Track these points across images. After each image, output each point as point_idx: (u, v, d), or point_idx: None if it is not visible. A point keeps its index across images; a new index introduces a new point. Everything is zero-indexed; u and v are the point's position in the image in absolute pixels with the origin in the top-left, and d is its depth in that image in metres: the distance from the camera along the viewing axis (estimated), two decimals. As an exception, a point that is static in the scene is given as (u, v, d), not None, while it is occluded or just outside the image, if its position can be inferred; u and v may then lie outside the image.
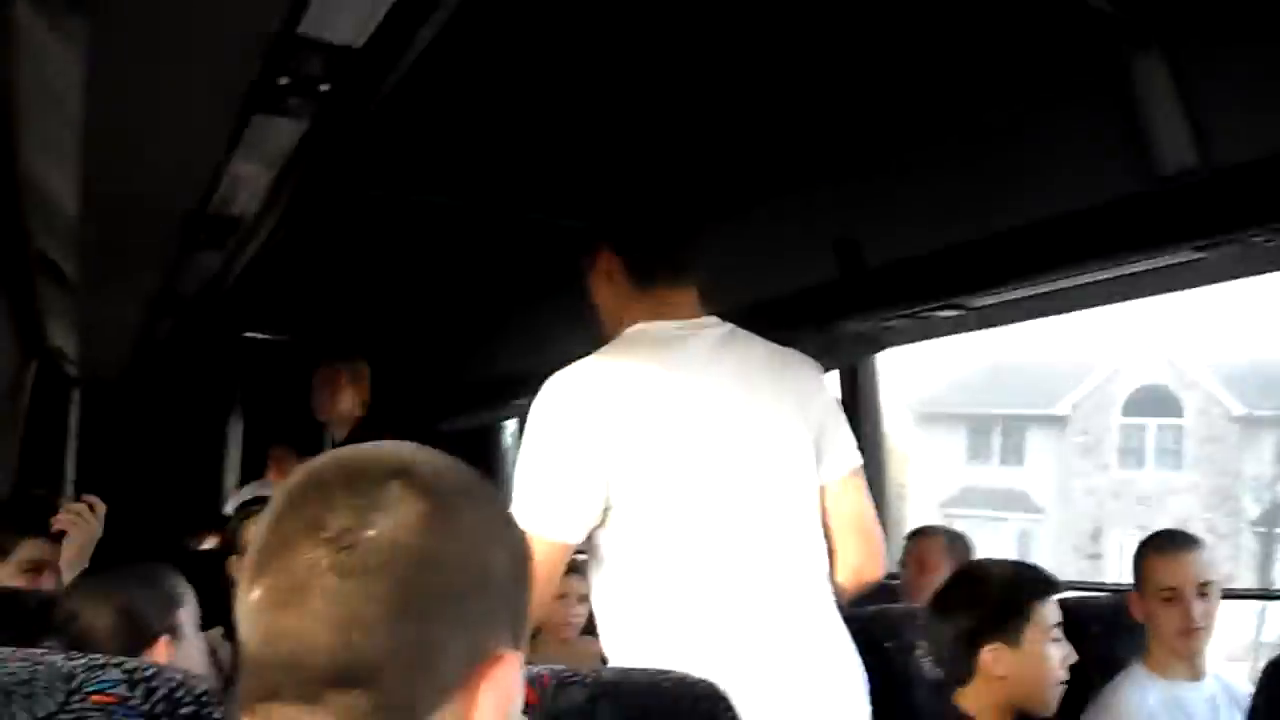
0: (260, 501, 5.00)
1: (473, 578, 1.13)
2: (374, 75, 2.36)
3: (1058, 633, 2.90)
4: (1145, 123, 2.82)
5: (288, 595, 1.08)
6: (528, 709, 1.25)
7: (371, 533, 1.08)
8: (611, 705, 1.71)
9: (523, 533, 1.23)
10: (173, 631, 2.55)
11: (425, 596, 1.09)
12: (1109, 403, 30.65)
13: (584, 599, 4.59)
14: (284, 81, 2.29)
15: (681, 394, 2.57)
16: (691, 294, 2.72)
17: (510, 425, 7.63)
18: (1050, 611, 2.91)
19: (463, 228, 4.77)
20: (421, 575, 1.09)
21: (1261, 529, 28.23)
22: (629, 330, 2.69)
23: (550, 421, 2.53)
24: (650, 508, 2.53)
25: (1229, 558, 25.75)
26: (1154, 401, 30.33)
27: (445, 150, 3.84)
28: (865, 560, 2.76)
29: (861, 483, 2.80)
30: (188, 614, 2.63)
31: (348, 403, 5.27)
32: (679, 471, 2.53)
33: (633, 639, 2.56)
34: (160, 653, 2.44)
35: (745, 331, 2.75)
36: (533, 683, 1.64)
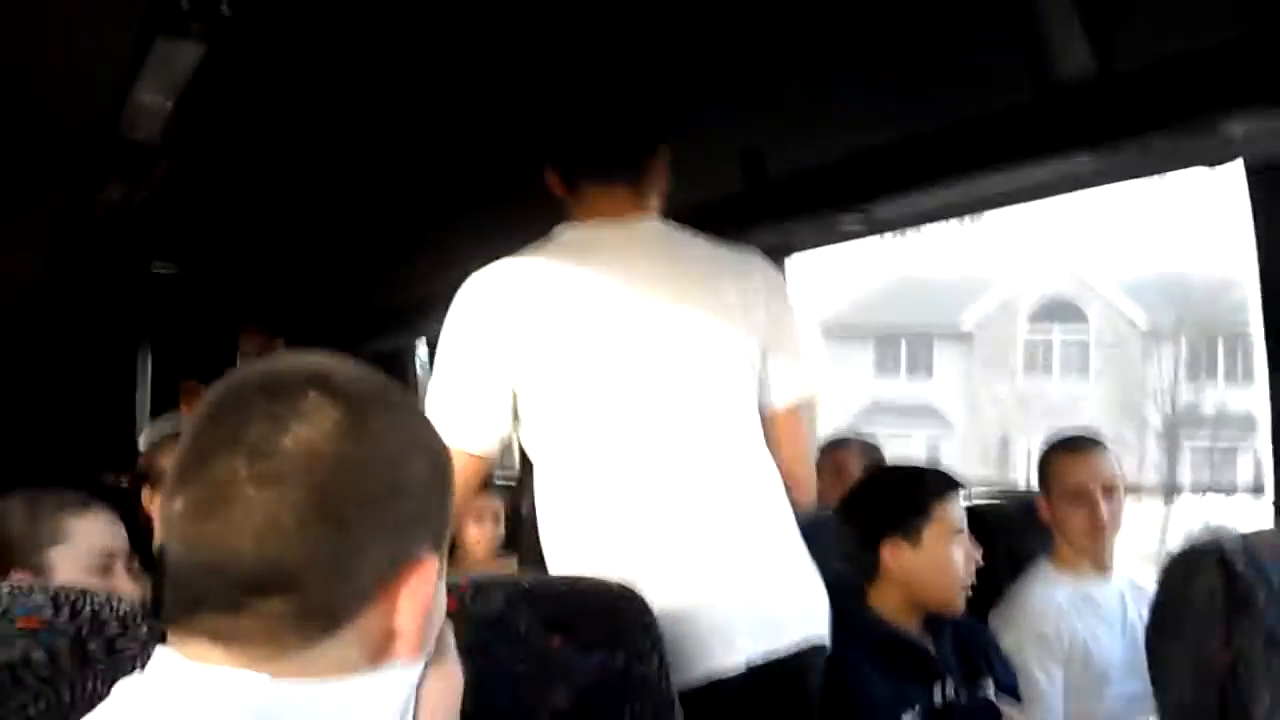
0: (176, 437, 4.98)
1: (389, 483, 1.15)
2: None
3: (961, 533, 2.95)
4: (1044, 29, 2.85)
5: (208, 505, 1.10)
6: (447, 615, 1.28)
7: (288, 440, 1.10)
8: (529, 609, 1.73)
9: (443, 441, 1.25)
10: (35, 569, 2.50)
11: (342, 502, 1.11)
12: (1014, 315, 30.95)
13: (499, 517, 4.64)
14: (185, 5, 2.27)
15: (597, 292, 2.55)
16: (625, 194, 2.69)
17: (421, 348, 7.61)
18: (952, 511, 2.98)
19: (371, 150, 4.73)
20: (338, 481, 1.11)
21: (1164, 437, 28.68)
22: (553, 231, 2.68)
23: (459, 325, 2.53)
24: (562, 412, 2.53)
25: (1134, 466, 26.16)
26: (1059, 312, 30.67)
27: (351, 72, 3.78)
28: (796, 480, 2.75)
29: (803, 416, 2.80)
30: (64, 553, 2.57)
31: None
32: (592, 374, 2.53)
33: (564, 546, 2.57)
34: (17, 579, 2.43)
35: (686, 231, 2.74)
36: (451, 590, 1.65)
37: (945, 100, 3.14)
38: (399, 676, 1.18)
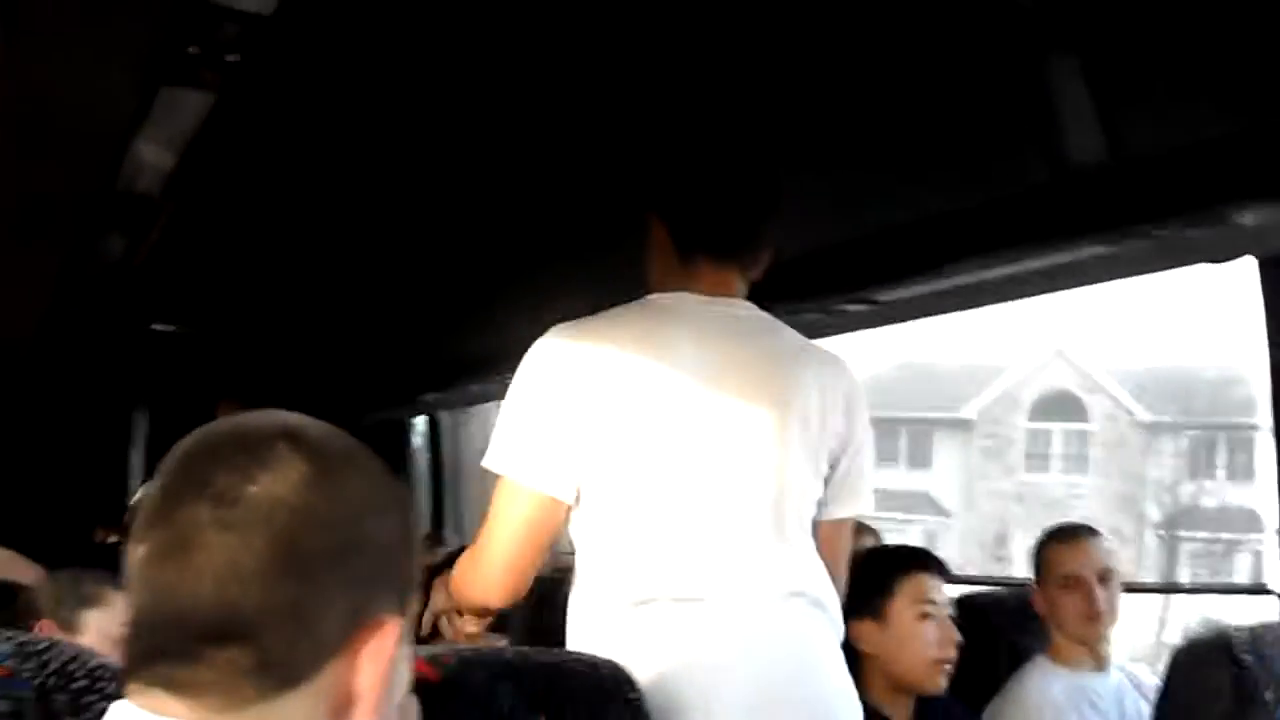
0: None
1: (353, 539, 1.15)
2: (285, 45, 2.32)
3: (934, 610, 2.95)
4: (1057, 115, 2.84)
5: (170, 549, 1.10)
6: (428, 687, 1.25)
7: (254, 489, 1.10)
8: (514, 685, 1.70)
9: (412, 504, 1.25)
10: (65, 623, 2.57)
11: (304, 553, 1.11)
12: (1015, 407, 30.99)
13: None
14: (193, 51, 2.25)
15: (682, 370, 2.42)
16: (734, 277, 2.59)
17: (419, 423, 7.59)
18: (919, 586, 3.01)
19: (379, 213, 4.69)
20: (301, 532, 1.11)
21: (1163, 532, 28.66)
22: (649, 297, 2.56)
23: (541, 372, 2.40)
24: (627, 490, 2.39)
25: (1133, 560, 26.12)
26: (1060, 406, 30.71)
27: (361, 128, 3.73)
28: None
29: (849, 532, 2.71)
30: (99, 618, 2.66)
31: None
32: (665, 455, 2.39)
33: (598, 638, 2.37)
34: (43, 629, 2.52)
35: (779, 323, 2.63)
36: (433, 661, 1.62)
37: (955, 184, 3.13)
38: None
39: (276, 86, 2.51)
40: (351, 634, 1.13)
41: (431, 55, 3.12)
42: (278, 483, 1.11)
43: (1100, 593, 3.35)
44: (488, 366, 5.78)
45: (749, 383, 2.45)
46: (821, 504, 2.57)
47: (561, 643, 2.38)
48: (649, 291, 2.58)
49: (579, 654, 1.96)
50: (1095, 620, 3.35)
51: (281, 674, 1.10)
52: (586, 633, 2.38)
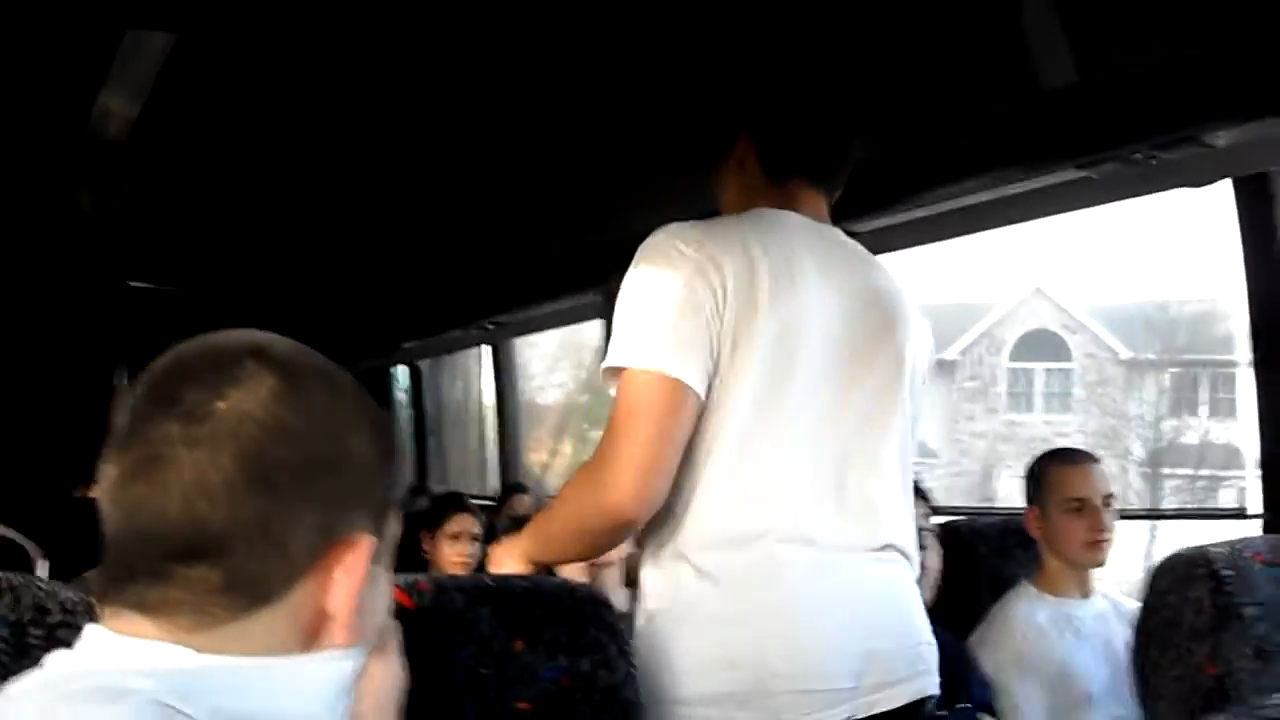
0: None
1: (324, 455, 1.14)
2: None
3: None
4: (1028, 42, 2.84)
5: (140, 467, 1.09)
6: (405, 613, 1.25)
7: (222, 404, 1.09)
8: (491, 609, 1.69)
9: (389, 423, 1.22)
10: None
11: (272, 468, 1.09)
12: (997, 347, 31.04)
13: (476, 538, 4.60)
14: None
15: (810, 285, 2.27)
16: (824, 201, 2.47)
17: (400, 372, 7.57)
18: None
19: (359, 159, 4.64)
20: (269, 447, 1.10)
21: (1147, 468, 28.77)
22: (753, 210, 2.40)
23: (667, 261, 2.21)
24: (740, 410, 2.21)
25: (1119, 496, 26.23)
26: (1041, 346, 30.75)
27: (337, 73, 3.66)
28: None
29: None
30: None
31: None
32: (783, 379, 2.22)
33: (682, 569, 2.22)
34: None
35: (874, 257, 2.52)
36: (409, 588, 1.62)
37: (928, 112, 3.13)
38: (331, 661, 1.16)
39: (241, 31, 2.46)
40: (323, 552, 1.12)
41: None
42: (246, 398, 1.10)
43: (1106, 516, 3.38)
44: (468, 314, 5.78)
45: (874, 322, 2.37)
46: None
47: None
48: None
49: (556, 579, 1.96)
50: (1099, 544, 3.37)
51: (251, 592, 1.09)
52: (676, 569, 2.22)
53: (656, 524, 2.21)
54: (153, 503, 1.08)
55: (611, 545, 2.37)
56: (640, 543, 2.29)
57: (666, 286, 2.18)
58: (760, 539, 2.18)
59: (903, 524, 2.38)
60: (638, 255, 2.24)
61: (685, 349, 2.14)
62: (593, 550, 2.37)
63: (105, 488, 1.12)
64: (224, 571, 1.08)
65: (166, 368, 1.15)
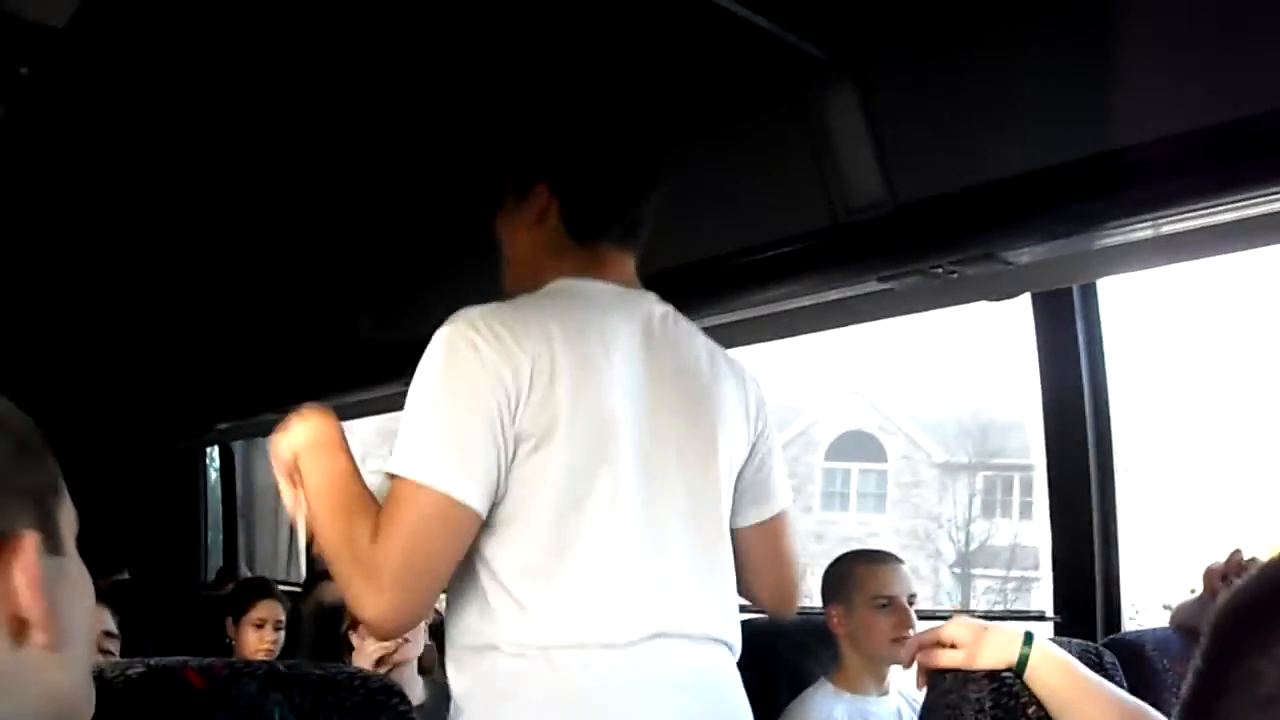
0: None
1: None
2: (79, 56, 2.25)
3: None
4: (836, 158, 2.93)
5: None
6: (195, 694, 1.25)
7: None
8: (283, 695, 1.69)
9: (24, 419, 1.18)
10: None
11: None
12: (813, 447, 31.36)
13: (280, 625, 4.55)
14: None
15: (618, 366, 2.16)
16: (631, 263, 2.33)
17: (213, 453, 7.46)
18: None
19: (170, 232, 4.62)
20: None
21: (958, 569, 29.22)
22: (555, 284, 2.24)
23: (455, 362, 2.05)
24: (544, 509, 2.09)
25: (929, 597, 26.56)
26: (857, 446, 31.16)
27: (154, 145, 3.66)
28: (783, 595, 2.54)
29: (789, 520, 2.52)
30: None
31: None
32: (591, 471, 2.10)
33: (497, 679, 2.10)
34: None
35: (689, 322, 2.37)
36: (204, 672, 1.61)
37: (738, 222, 3.20)
38: (48, 660, 1.13)
39: (64, 103, 2.44)
40: None
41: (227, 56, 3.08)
42: None
43: (911, 614, 3.46)
44: (282, 397, 5.72)
45: (686, 396, 2.26)
46: (762, 501, 2.43)
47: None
48: (508, 290, 2.32)
49: (351, 668, 1.94)
50: (905, 640, 3.43)
51: None
52: (489, 679, 2.10)
53: (464, 619, 2.13)
54: None
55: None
56: (445, 635, 2.20)
57: (453, 387, 2.05)
58: (577, 637, 2.08)
59: (727, 613, 2.28)
60: (430, 346, 2.08)
61: (465, 461, 2.01)
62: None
63: None
64: None
65: None
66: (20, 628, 1.09)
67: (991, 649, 2.05)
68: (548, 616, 2.07)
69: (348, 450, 2.18)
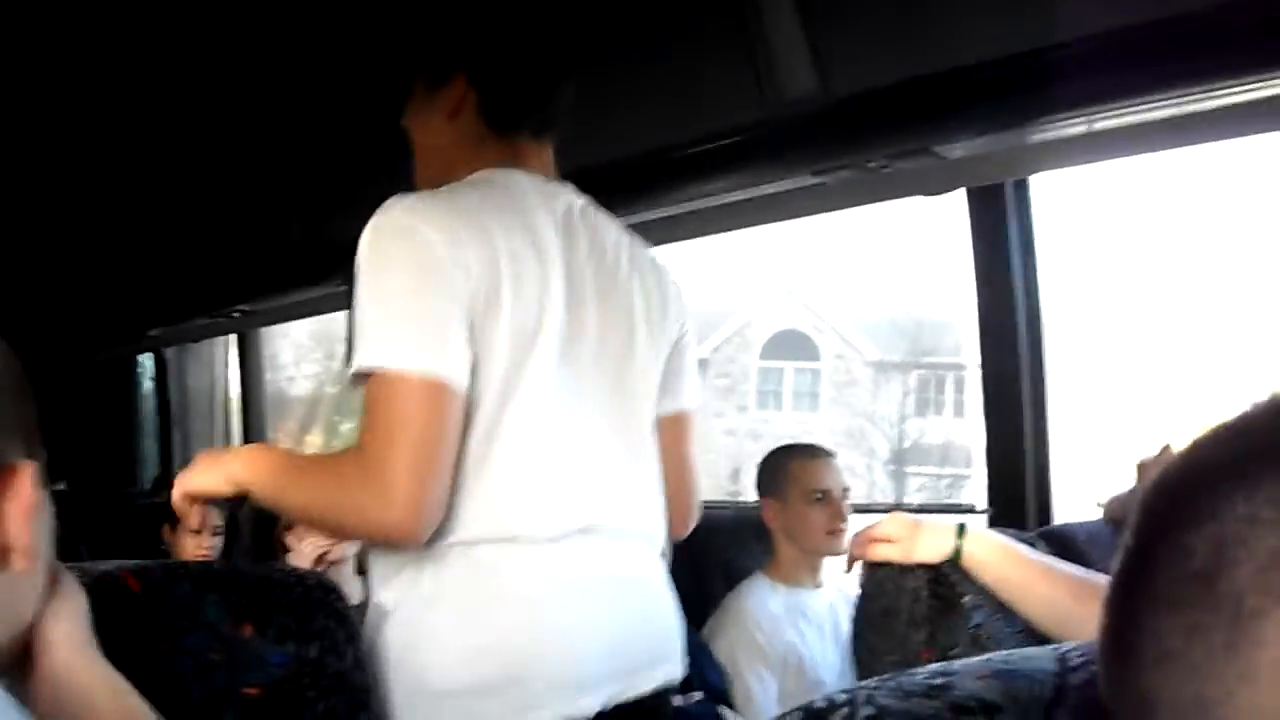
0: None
1: None
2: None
3: None
4: (769, 51, 2.91)
5: None
6: (132, 597, 1.28)
7: None
8: (219, 595, 1.68)
9: (9, 353, 1.23)
10: None
11: None
12: (747, 346, 31.47)
13: (218, 530, 4.54)
14: None
15: (543, 258, 2.11)
16: (549, 154, 2.30)
17: (146, 360, 7.39)
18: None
19: (100, 136, 4.55)
20: None
21: (892, 466, 29.48)
22: (481, 173, 2.19)
23: (406, 244, 1.99)
24: (481, 402, 2.04)
25: (864, 494, 26.84)
26: (791, 346, 31.28)
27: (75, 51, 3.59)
28: (681, 509, 2.45)
29: (693, 424, 2.49)
30: None
31: None
32: (526, 362, 2.07)
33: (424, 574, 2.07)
34: None
35: (605, 213, 2.35)
36: (137, 573, 1.60)
37: (672, 118, 3.19)
38: (24, 581, 1.21)
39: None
40: None
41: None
42: None
43: (844, 507, 3.50)
44: (215, 301, 5.68)
45: (605, 290, 2.24)
46: (668, 397, 2.41)
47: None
48: (421, 185, 2.26)
49: (288, 568, 1.95)
50: (838, 534, 3.48)
51: None
52: (413, 585, 2.06)
53: None
54: None
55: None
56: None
57: (414, 267, 1.98)
58: (504, 530, 2.06)
59: (653, 508, 2.31)
60: (369, 236, 2.02)
61: (446, 339, 1.96)
62: (333, 538, 2.25)
63: None
64: None
65: None
66: (4, 554, 1.15)
67: (926, 542, 2.08)
68: (472, 511, 2.04)
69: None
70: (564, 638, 2.08)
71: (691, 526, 2.52)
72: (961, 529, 2.07)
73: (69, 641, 1.28)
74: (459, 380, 1.96)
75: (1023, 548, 2.12)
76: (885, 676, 0.89)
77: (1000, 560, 2.07)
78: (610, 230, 2.33)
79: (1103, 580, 0.75)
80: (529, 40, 2.29)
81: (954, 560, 2.08)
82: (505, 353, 2.04)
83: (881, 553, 2.12)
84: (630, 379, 2.28)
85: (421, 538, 1.96)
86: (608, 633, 2.14)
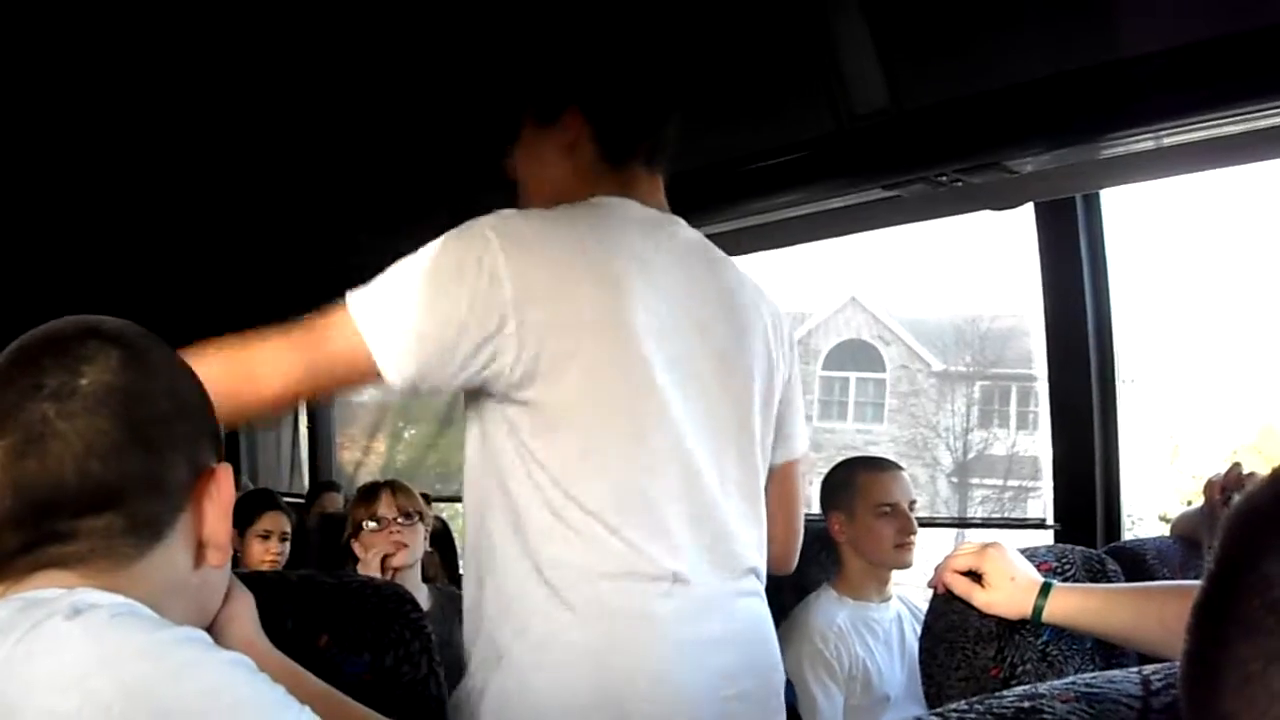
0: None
1: (174, 405, 1.32)
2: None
3: None
4: (840, 66, 2.91)
5: (24, 447, 1.23)
6: None
7: (84, 381, 1.25)
8: (295, 605, 1.71)
9: (186, 364, 1.41)
10: None
11: (141, 424, 1.26)
12: (811, 356, 31.38)
13: (286, 536, 4.58)
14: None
15: (657, 287, 2.11)
16: (660, 186, 2.29)
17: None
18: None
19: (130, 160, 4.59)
20: (134, 407, 1.26)
21: (955, 478, 29.30)
22: (596, 199, 2.19)
23: (460, 249, 1.99)
24: (565, 404, 2.02)
25: (927, 506, 26.69)
26: (855, 355, 31.15)
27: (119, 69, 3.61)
28: (788, 550, 2.47)
29: (803, 473, 2.48)
30: None
31: None
32: (624, 383, 2.05)
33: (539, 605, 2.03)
34: None
35: (715, 247, 2.33)
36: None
37: (748, 130, 3.19)
38: (216, 576, 1.41)
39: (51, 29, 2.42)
40: (193, 484, 1.32)
41: None
42: (102, 371, 1.26)
43: (912, 520, 3.49)
44: (285, 308, 5.71)
45: (725, 324, 2.22)
46: (778, 445, 2.38)
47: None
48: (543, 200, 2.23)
49: (362, 577, 1.96)
50: (907, 547, 3.47)
51: (149, 530, 1.27)
52: (528, 592, 2.02)
53: (491, 547, 2.06)
54: (48, 473, 1.22)
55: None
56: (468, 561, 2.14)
57: (439, 269, 1.98)
58: (624, 570, 2.02)
59: (757, 543, 2.24)
60: (462, 227, 2.02)
61: (412, 341, 1.96)
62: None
63: None
64: (125, 517, 1.25)
65: (15, 359, 1.29)
66: (200, 550, 1.34)
67: (1008, 597, 2.05)
68: (581, 542, 2.01)
69: None
70: (680, 690, 2.05)
71: (791, 566, 2.53)
72: (1045, 588, 2.04)
73: (245, 632, 1.49)
74: (390, 372, 1.96)
75: (1095, 601, 2.06)
76: (973, 699, 0.89)
77: (1077, 616, 2.03)
78: (729, 266, 2.32)
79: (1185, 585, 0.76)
80: (640, 70, 2.31)
81: (1034, 620, 2.05)
82: (602, 387, 2.03)
83: (962, 590, 2.10)
84: (735, 422, 2.23)
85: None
86: (727, 688, 2.10)
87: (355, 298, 2.00)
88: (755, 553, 2.23)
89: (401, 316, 1.97)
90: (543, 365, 1.99)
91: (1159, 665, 0.91)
